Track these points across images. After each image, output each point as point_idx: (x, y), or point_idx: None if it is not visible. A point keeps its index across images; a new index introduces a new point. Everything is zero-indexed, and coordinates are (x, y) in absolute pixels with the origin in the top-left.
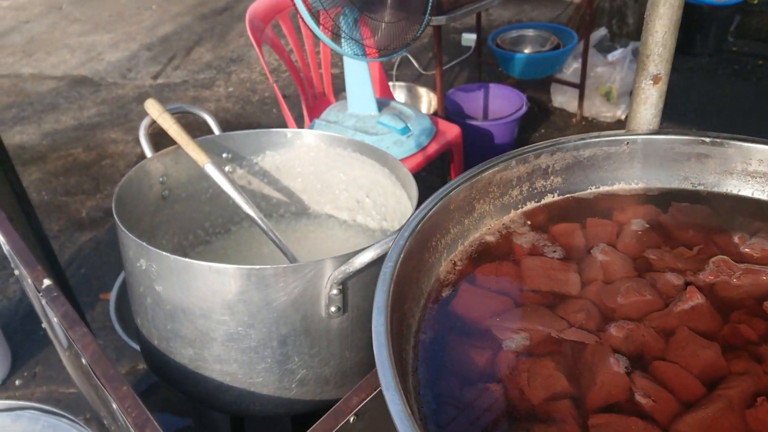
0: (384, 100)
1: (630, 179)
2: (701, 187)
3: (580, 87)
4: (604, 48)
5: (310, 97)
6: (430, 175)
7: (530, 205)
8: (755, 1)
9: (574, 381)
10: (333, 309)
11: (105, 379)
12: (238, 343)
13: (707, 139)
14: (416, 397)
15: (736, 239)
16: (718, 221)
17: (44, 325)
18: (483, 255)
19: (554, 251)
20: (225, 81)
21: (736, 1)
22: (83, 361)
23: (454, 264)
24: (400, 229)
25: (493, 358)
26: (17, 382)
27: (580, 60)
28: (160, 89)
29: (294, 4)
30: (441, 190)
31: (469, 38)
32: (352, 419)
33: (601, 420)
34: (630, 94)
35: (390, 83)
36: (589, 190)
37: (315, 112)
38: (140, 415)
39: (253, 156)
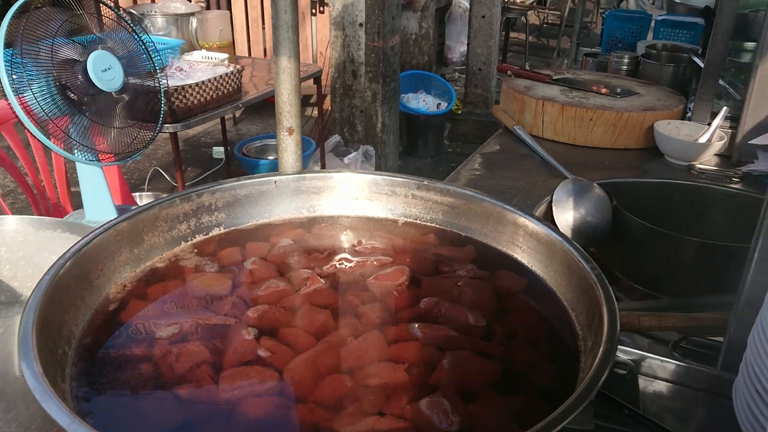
0: (126, 207)
1: (282, 211)
2: (330, 212)
3: None
4: (340, 152)
5: (44, 209)
6: None
7: (199, 238)
8: (459, 111)
9: (217, 353)
10: None
11: None
12: None
13: (319, 175)
14: (70, 383)
15: (355, 242)
16: (348, 234)
17: None
18: (154, 277)
19: (212, 267)
20: None
21: (444, 111)
22: None
23: (124, 286)
24: (64, 254)
25: (148, 347)
26: None
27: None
28: None
29: (17, 117)
30: (110, 220)
31: (219, 151)
32: None
33: (230, 372)
34: None
35: (138, 194)
36: (250, 223)
37: None
38: None
39: None
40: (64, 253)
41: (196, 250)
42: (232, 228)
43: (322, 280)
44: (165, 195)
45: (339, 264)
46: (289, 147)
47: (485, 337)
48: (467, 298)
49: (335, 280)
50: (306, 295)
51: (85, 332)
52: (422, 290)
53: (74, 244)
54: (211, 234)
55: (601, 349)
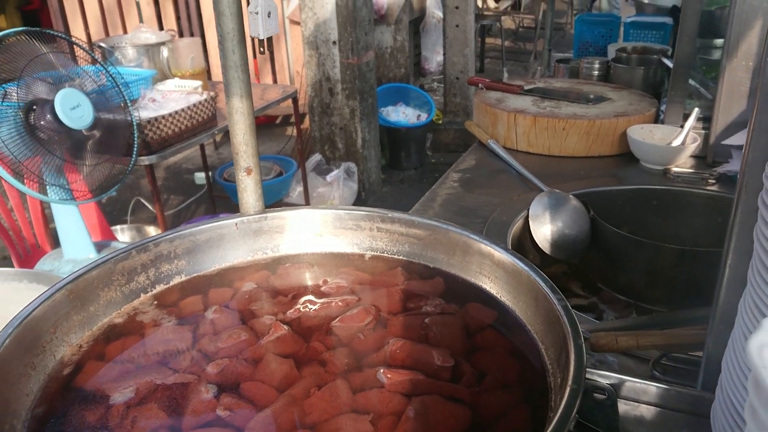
0: (105, 242)
1: (245, 253)
2: (294, 251)
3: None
4: (323, 171)
5: (22, 251)
6: None
7: (160, 288)
8: (440, 121)
9: (175, 415)
10: None
11: None
12: None
13: (281, 213)
14: None
15: (321, 282)
16: (313, 272)
17: None
18: (112, 334)
19: (170, 321)
20: None
21: (425, 122)
22: None
23: (80, 347)
24: (7, 325)
25: (104, 413)
26: None
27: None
28: None
29: None
30: (59, 281)
31: (201, 176)
32: None
33: None
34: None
35: (119, 227)
36: (213, 268)
37: (29, 264)
38: None
39: None
40: (7, 325)
41: (156, 302)
42: (194, 275)
43: (285, 326)
44: (149, 228)
45: (303, 307)
46: (248, 187)
47: (454, 379)
48: (434, 337)
49: (299, 326)
50: (268, 345)
51: (37, 402)
52: (389, 331)
53: (20, 312)
54: (172, 283)
55: (567, 390)
